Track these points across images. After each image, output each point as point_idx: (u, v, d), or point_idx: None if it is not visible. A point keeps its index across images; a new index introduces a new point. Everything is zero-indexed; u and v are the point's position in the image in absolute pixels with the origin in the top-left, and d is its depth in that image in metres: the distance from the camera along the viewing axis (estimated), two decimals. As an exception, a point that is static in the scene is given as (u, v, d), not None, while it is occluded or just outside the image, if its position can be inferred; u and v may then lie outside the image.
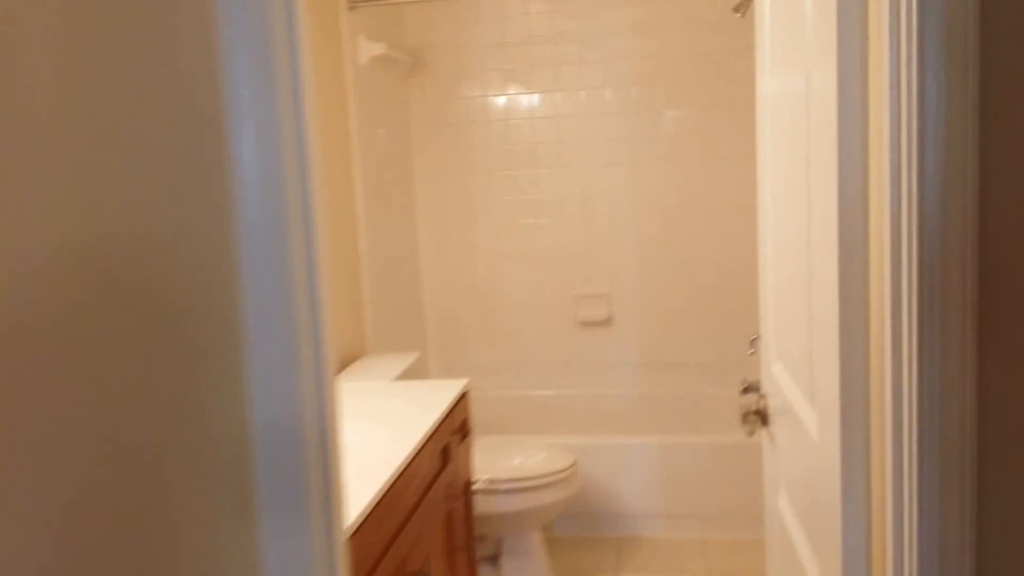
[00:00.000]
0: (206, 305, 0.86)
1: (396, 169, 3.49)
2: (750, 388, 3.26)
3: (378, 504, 1.54)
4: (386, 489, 1.60)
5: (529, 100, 3.61)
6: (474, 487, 2.67)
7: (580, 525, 3.24)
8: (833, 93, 0.96)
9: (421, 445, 1.85)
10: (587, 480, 3.17)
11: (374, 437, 1.87)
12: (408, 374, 2.77)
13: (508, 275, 3.74)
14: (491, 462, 2.81)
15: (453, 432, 2.11)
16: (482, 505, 2.68)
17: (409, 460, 1.76)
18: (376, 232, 3.17)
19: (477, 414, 3.74)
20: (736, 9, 3.10)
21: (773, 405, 1.49)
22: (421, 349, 3.75)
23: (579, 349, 3.74)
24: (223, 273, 0.89)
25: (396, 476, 1.68)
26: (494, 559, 2.88)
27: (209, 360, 0.86)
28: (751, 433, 1.56)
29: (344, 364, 2.82)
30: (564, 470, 2.77)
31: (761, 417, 1.52)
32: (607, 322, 3.71)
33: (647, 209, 3.60)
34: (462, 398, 2.22)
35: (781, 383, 1.40)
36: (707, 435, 3.13)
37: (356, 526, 1.42)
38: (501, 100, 3.63)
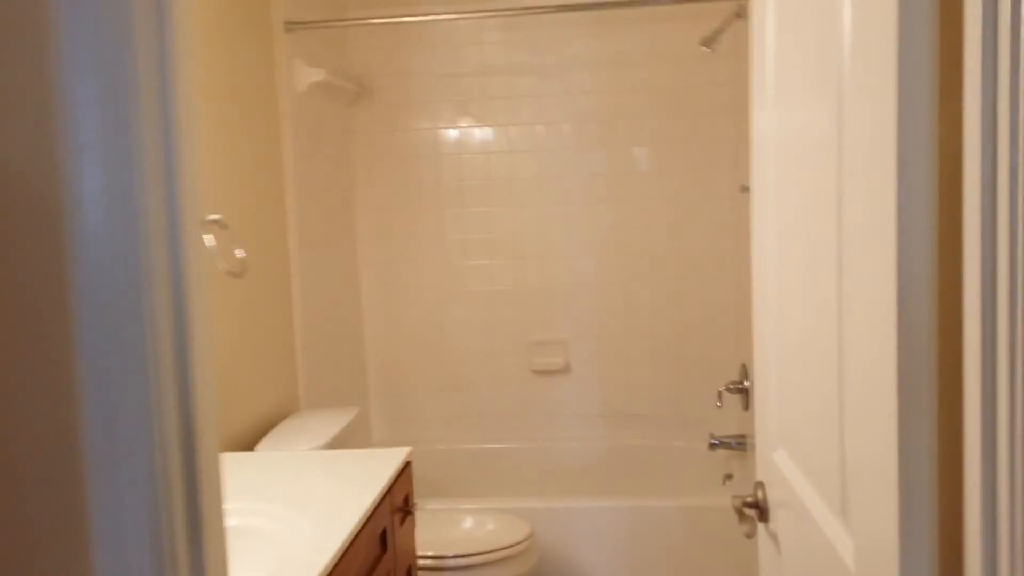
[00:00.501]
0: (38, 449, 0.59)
1: (336, 205, 3.21)
2: (721, 443, 3.05)
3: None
4: (308, 600, 1.32)
5: (482, 133, 3.38)
6: (419, 565, 2.38)
7: (535, 597, 2.95)
8: (889, 132, 0.73)
9: (354, 534, 1.56)
10: (545, 551, 2.89)
11: (297, 525, 1.57)
12: (346, 434, 2.48)
13: (458, 319, 3.47)
14: (437, 533, 2.52)
15: (394, 511, 1.83)
16: (428, 582, 2.39)
17: (340, 555, 1.48)
18: (311, 274, 2.89)
19: (423, 472, 3.44)
20: (704, 43, 2.92)
21: (775, 497, 1.25)
22: (362, 401, 3.45)
23: (534, 399, 3.48)
24: (53, 380, 0.61)
25: (322, 580, 1.39)
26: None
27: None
28: (750, 535, 1.31)
29: (271, 424, 2.52)
30: (519, 543, 2.49)
31: (760, 511, 1.28)
32: (564, 370, 3.46)
33: (607, 251, 3.38)
34: (404, 470, 1.93)
35: (788, 475, 1.16)
36: (676, 497, 2.88)
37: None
38: (452, 133, 3.39)
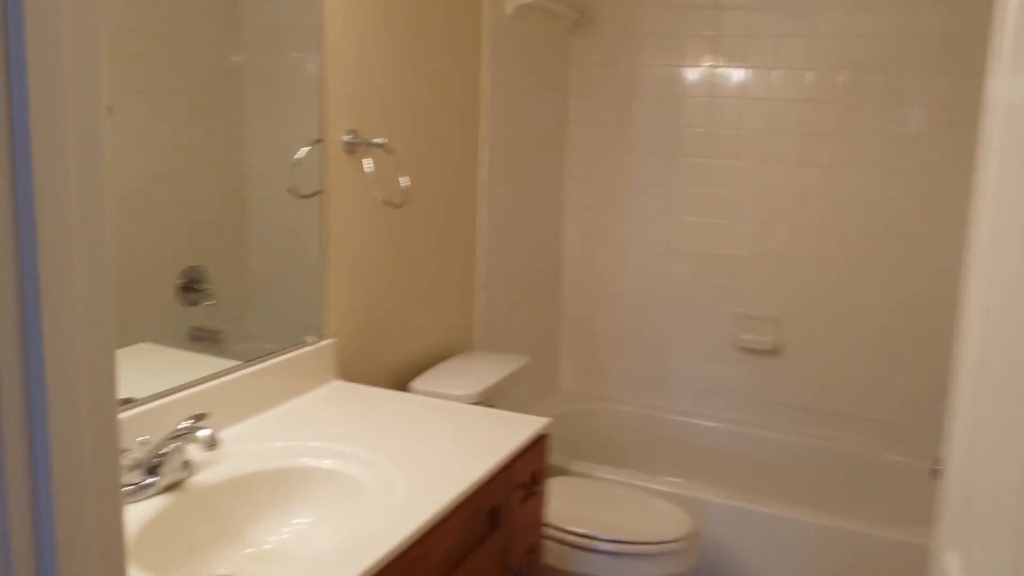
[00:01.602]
0: None
1: (542, 141, 3.00)
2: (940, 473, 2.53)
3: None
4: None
5: (712, 75, 2.99)
6: (567, 540, 2.19)
7: (697, 595, 2.66)
8: None
9: (452, 508, 1.39)
10: (709, 553, 2.59)
11: (393, 482, 1.43)
12: (508, 383, 2.32)
13: (661, 277, 3.16)
14: (595, 509, 2.30)
15: (513, 487, 1.63)
16: (572, 561, 2.19)
17: (427, 528, 1.31)
18: (503, 210, 2.72)
19: (600, 432, 3.23)
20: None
21: None
22: (552, 350, 3.27)
23: (735, 378, 3.11)
24: None
25: (391, 558, 1.23)
26: (579, 621, 2.40)
27: None
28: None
29: (438, 359, 2.41)
30: (680, 539, 2.21)
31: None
32: (773, 352, 3.05)
33: (844, 224, 2.89)
34: (536, 443, 1.73)
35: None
36: (887, 526, 2.43)
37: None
38: (679, 72, 3.03)
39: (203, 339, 1.65)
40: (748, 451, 3.08)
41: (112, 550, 0.60)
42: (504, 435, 1.66)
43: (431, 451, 1.56)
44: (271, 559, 1.37)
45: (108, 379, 0.57)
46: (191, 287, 1.63)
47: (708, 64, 2.99)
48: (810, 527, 2.46)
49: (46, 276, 0.50)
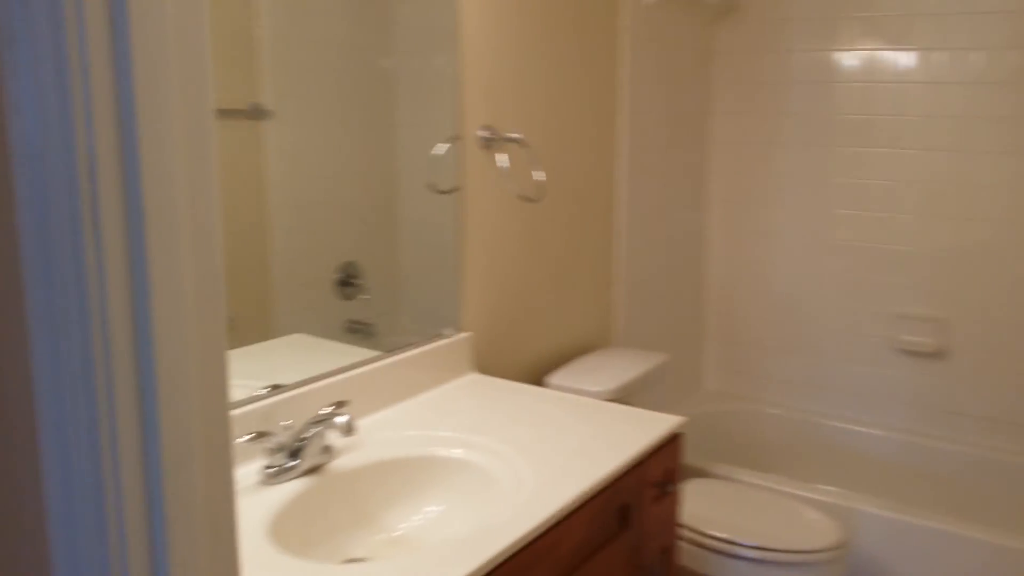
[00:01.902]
0: None
1: (685, 134, 2.93)
2: None
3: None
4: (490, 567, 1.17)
5: (867, 58, 2.81)
6: (707, 545, 2.13)
7: (849, 610, 2.51)
8: None
9: (578, 503, 1.37)
10: (862, 565, 2.43)
11: (520, 475, 1.43)
12: (646, 381, 2.27)
13: (813, 273, 3.01)
14: (736, 513, 2.23)
15: (645, 485, 1.60)
16: (712, 566, 2.13)
17: (550, 523, 1.31)
18: (642, 204, 2.67)
19: (744, 435, 3.11)
20: None
21: None
22: (696, 347, 3.19)
23: (896, 382, 2.91)
24: None
25: (517, 548, 1.23)
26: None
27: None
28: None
29: (575, 355, 2.40)
30: (829, 550, 2.10)
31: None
32: (938, 355, 2.83)
33: (1022, 216, 2.64)
34: (670, 442, 1.68)
35: None
36: (1057, 544, 2.21)
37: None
38: (831, 57, 2.87)
39: (358, 331, 1.72)
40: (908, 460, 2.87)
41: (223, 538, 0.62)
42: (637, 432, 1.62)
43: (562, 446, 1.55)
44: (403, 544, 1.40)
45: (220, 374, 0.59)
46: (347, 282, 1.70)
47: (863, 47, 2.82)
48: (977, 544, 2.27)
49: (157, 272, 0.53)
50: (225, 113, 1.43)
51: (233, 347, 1.46)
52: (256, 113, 1.47)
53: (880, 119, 2.82)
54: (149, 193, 0.51)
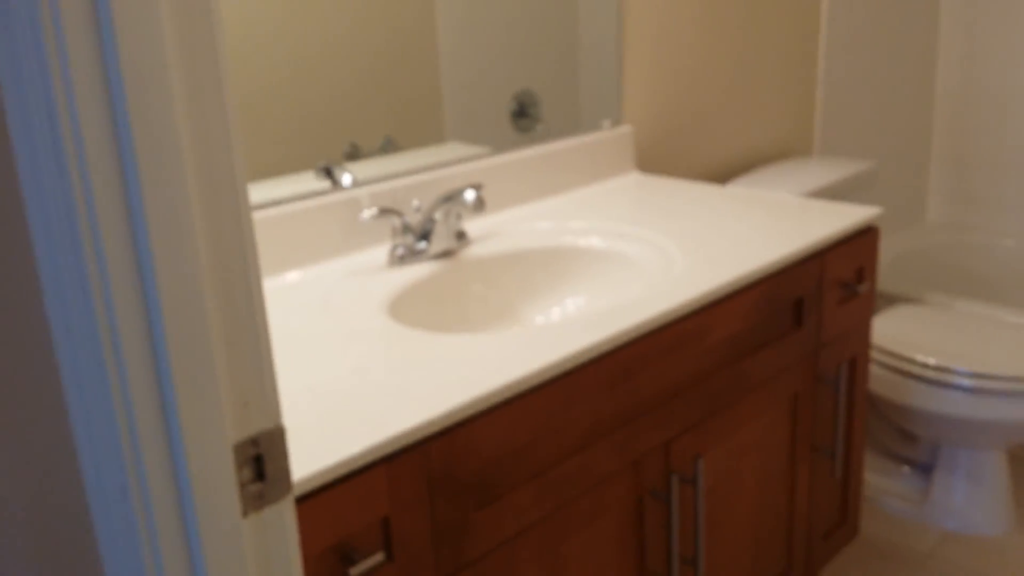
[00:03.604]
0: None
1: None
2: None
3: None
4: (604, 349, 1.03)
5: None
6: (912, 372, 1.86)
7: (1092, 459, 2.14)
8: None
9: (735, 289, 1.18)
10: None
11: (671, 259, 1.25)
12: (844, 187, 1.97)
13: (1074, 71, 2.46)
14: (951, 341, 1.92)
15: (827, 283, 1.36)
16: (921, 398, 1.86)
17: (696, 307, 1.13)
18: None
19: (977, 267, 2.69)
20: None
21: None
22: (921, 171, 2.75)
23: None
24: None
25: (656, 326, 1.07)
26: (926, 468, 2.06)
27: None
28: None
29: (759, 162, 2.11)
30: (1061, 378, 1.76)
31: None
32: None
33: None
34: (864, 236, 1.42)
35: None
36: None
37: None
38: None
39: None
40: None
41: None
42: (819, 223, 1.37)
43: (726, 234, 1.35)
44: (538, 332, 1.28)
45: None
46: (523, 112, 1.58)
47: None
48: None
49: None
50: None
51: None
52: None
53: None
54: None
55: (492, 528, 0.93)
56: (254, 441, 0.59)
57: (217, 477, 0.57)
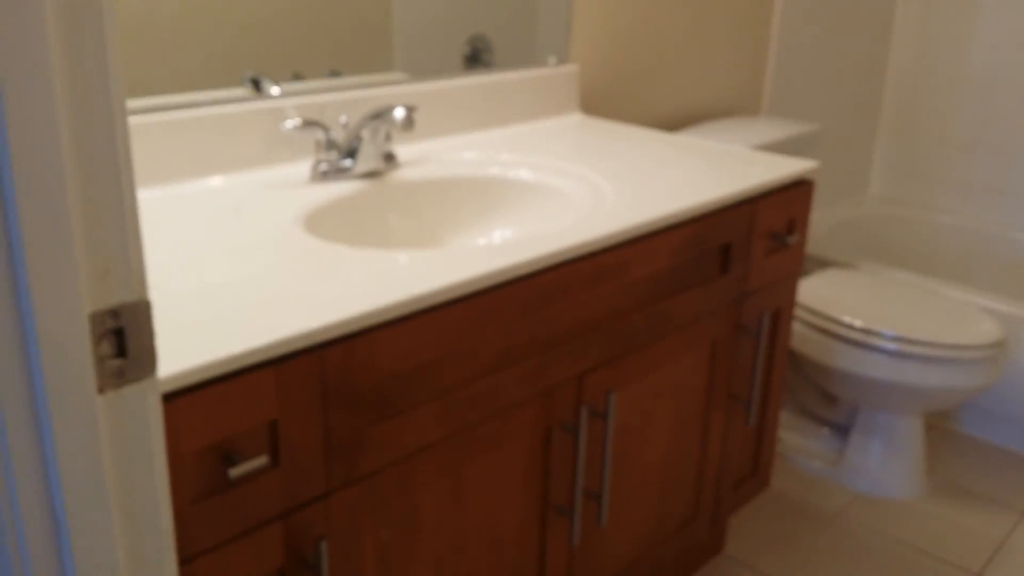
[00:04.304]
0: None
1: None
2: None
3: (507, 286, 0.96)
4: (518, 273, 1.00)
5: None
6: (837, 334, 1.87)
7: (1000, 430, 2.21)
8: None
9: (661, 227, 1.17)
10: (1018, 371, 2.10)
11: (602, 194, 1.23)
12: (788, 147, 1.97)
13: (1011, 63, 2.48)
14: (878, 305, 1.94)
15: (759, 232, 1.36)
16: (844, 359, 1.88)
17: (618, 241, 1.11)
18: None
19: (913, 242, 2.73)
20: None
21: None
22: (867, 144, 2.77)
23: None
24: None
25: (577, 255, 1.05)
26: (843, 430, 2.10)
27: None
28: None
29: (706, 117, 2.10)
30: (979, 347, 1.79)
31: None
32: None
33: None
34: (797, 188, 1.41)
35: None
36: None
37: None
38: None
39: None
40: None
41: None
42: (754, 171, 1.36)
43: (663, 176, 1.33)
44: (461, 259, 1.26)
45: None
46: (476, 57, 1.54)
47: None
48: None
49: None
50: None
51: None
52: None
53: None
54: None
55: (390, 444, 0.91)
56: (114, 312, 0.55)
57: (70, 346, 0.53)
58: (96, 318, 0.54)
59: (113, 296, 0.55)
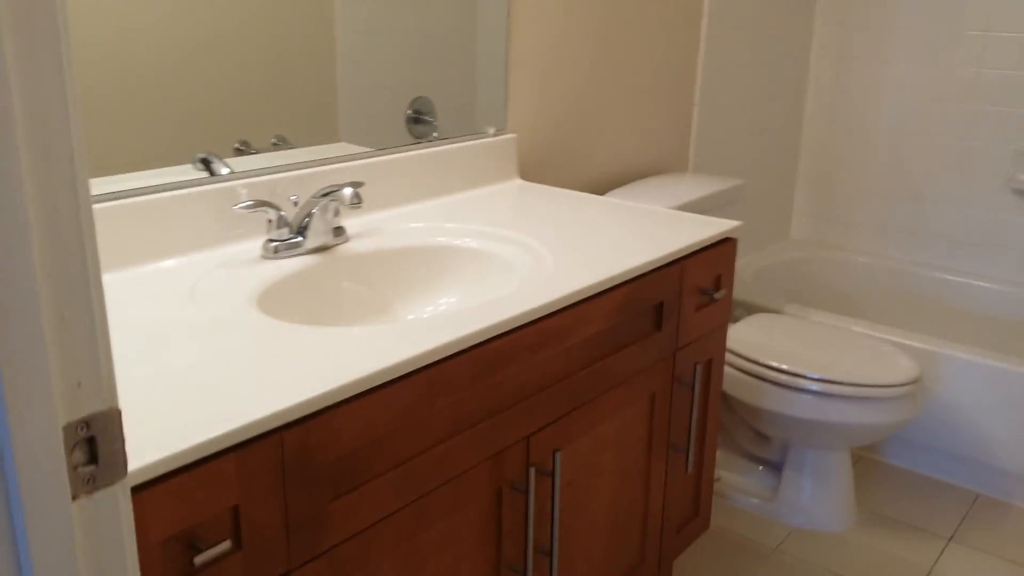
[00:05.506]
0: None
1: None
2: None
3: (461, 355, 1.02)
4: (469, 344, 1.07)
5: None
6: (769, 378, 1.98)
7: (924, 459, 2.34)
8: None
9: (598, 291, 1.24)
10: (950, 405, 2.24)
11: (542, 261, 1.31)
12: (713, 203, 2.08)
13: (925, 106, 2.67)
14: (803, 348, 2.05)
15: (686, 290, 1.45)
16: (773, 401, 1.98)
17: (559, 307, 1.19)
18: (733, 19, 2.38)
19: (834, 282, 2.88)
20: None
21: None
22: (787, 189, 2.93)
23: (1010, 227, 2.61)
24: None
25: (520, 323, 1.12)
26: (777, 467, 2.20)
27: None
28: None
29: (637, 177, 2.21)
30: (899, 385, 1.92)
31: None
32: (1061, 195, 2.50)
33: None
34: (722, 246, 1.51)
35: None
36: None
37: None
38: None
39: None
40: (1018, 315, 2.60)
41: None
42: (682, 233, 1.46)
43: (597, 240, 1.41)
44: (410, 328, 1.32)
45: None
46: (419, 119, 1.61)
47: None
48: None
49: None
50: None
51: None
52: None
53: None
54: None
55: (349, 518, 0.96)
56: (86, 423, 0.59)
57: (45, 458, 0.56)
58: (69, 429, 0.58)
59: (85, 407, 0.58)
